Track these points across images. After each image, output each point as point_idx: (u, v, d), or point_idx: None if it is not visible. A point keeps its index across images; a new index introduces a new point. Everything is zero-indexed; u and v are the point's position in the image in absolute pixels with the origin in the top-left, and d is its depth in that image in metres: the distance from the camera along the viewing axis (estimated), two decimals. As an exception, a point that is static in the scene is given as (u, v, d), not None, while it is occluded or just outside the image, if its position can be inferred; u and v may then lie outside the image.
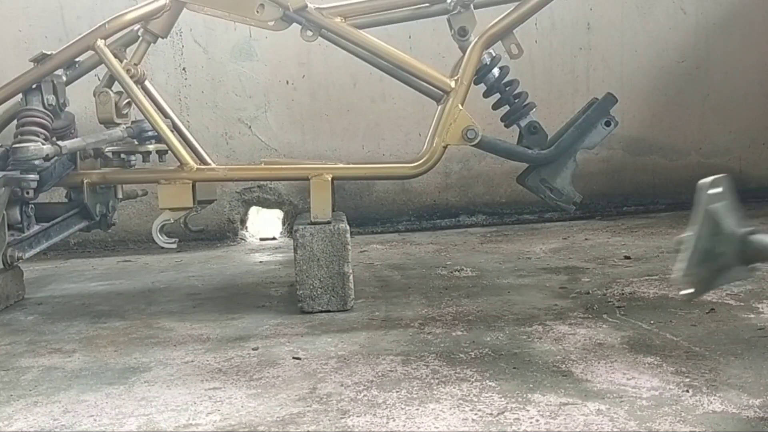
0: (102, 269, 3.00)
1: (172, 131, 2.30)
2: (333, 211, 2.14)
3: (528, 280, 2.40)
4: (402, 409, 1.35)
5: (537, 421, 1.28)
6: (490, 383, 1.46)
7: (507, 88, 2.22)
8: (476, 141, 2.14)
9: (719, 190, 1.15)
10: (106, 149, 2.39)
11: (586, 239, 3.13)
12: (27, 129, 2.22)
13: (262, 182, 3.53)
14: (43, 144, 2.18)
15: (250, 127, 3.56)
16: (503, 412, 1.31)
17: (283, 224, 3.66)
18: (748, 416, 1.27)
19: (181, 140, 2.37)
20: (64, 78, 2.36)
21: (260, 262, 3.03)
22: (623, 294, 2.15)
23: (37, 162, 2.15)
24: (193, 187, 2.22)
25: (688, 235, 1.16)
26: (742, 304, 1.96)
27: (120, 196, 2.57)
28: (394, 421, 1.30)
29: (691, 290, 1.17)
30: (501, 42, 2.19)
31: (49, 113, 2.28)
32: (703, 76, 3.76)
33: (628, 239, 3.06)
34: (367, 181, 3.51)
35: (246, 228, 3.65)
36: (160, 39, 2.35)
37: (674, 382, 1.42)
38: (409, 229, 3.65)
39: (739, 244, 1.15)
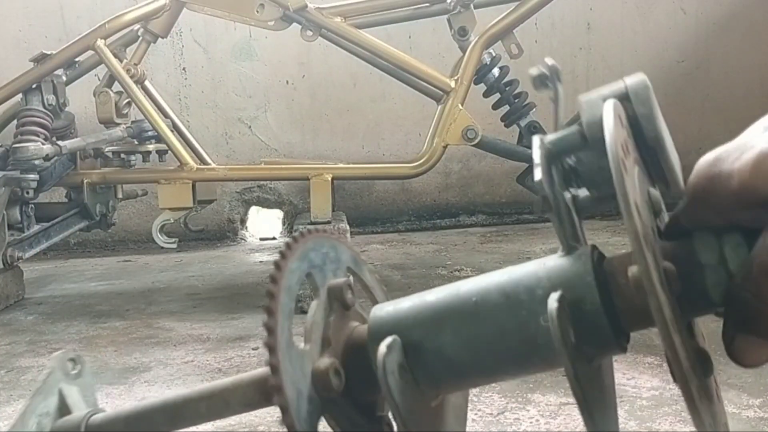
0: (102, 269, 3.00)
1: (172, 131, 2.30)
2: (333, 211, 2.14)
3: (528, 280, 2.40)
4: (402, 409, 1.35)
5: (537, 421, 1.28)
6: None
7: (507, 88, 2.22)
8: (476, 141, 2.14)
9: None
10: (106, 149, 2.39)
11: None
12: (27, 129, 2.22)
13: (262, 182, 3.53)
14: (43, 144, 2.18)
15: (250, 127, 3.56)
16: (503, 412, 1.31)
17: (283, 224, 3.66)
18: (748, 416, 1.27)
19: (181, 140, 2.37)
20: (64, 78, 2.36)
21: (260, 262, 3.02)
22: (623, 294, 2.15)
23: (37, 162, 2.15)
24: (193, 186, 2.23)
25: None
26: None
27: (120, 196, 2.57)
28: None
29: None
30: (501, 42, 2.19)
31: (49, 113, 2.28)
32: (703, 76, 3.76)
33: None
34: (367, 181, 3.51)
35: (246, 228, 3.65)
36: (160, 39, 2.36)
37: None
38: (409, 228, 3.65)
39: None
